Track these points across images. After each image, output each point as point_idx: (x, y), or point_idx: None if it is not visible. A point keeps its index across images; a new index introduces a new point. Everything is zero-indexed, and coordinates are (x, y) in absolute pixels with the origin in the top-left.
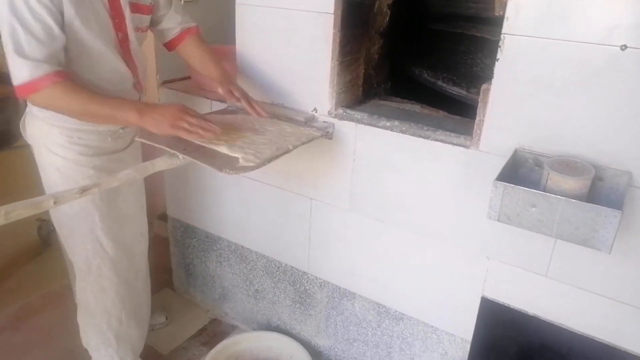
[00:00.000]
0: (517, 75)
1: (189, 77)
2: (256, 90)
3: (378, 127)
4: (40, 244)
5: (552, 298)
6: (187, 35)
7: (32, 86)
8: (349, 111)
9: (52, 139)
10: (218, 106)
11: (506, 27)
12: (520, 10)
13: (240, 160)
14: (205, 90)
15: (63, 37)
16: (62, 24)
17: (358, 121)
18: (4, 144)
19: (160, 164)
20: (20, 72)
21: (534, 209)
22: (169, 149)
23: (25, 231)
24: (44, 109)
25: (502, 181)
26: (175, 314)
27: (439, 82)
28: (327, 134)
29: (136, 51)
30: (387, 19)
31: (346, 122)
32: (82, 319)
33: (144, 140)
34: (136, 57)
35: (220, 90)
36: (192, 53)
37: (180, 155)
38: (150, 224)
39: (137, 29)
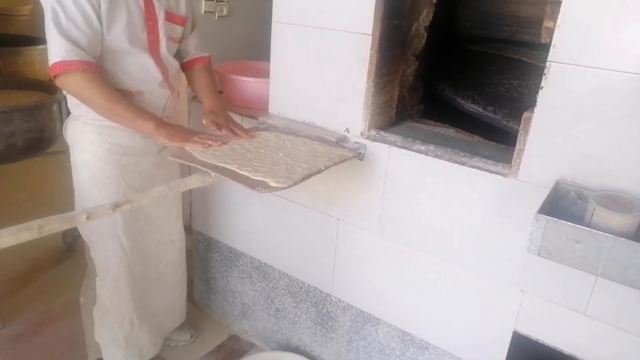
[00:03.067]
0: (561, 104)
1: (221, 92)
2: (289, 109)
3: (412, 150)
4: (65, 250)
5: (590, 338)
6: (198, 64)
7: (63, 65)
8: (382, 133)
9: (85, 137)
10: (249, 122)
11: (552, 54)
12: (567, 38)
13: (270, 181)
14: (236, 105)
15: (100, 29)
16: (100, 17)
17: (391, 144)
18: (37, 150)
19: (193, 182)
20: (56, 50)
21: (578, 245)
22: (201, 167)
23: (50, 236)
24: (74, 98)
25: (544, 214)
26: (194, 328)
27: (458, 99)
28: (359, 155)
29: (166, 56)
30: (424, 41)
31: (379, 144)
32: (97, 314)
33: (176, 159)
34: (167, 61)
35: (204, 120)
36: (196, 80)
37: (213, 174)
38: None
39: (169, 38)
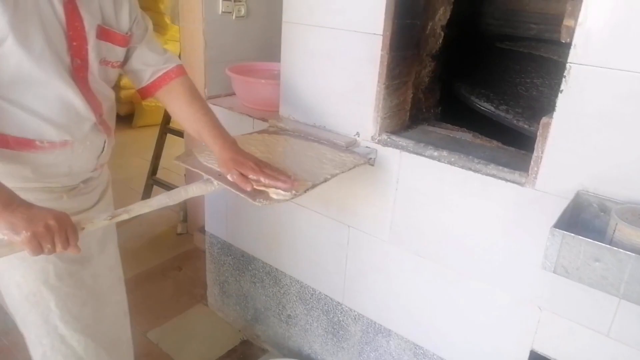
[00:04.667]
0: (583, 109)
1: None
2: (299, 111)
3: (424, 156)
4: None
5: None
6: (165, 83)
7: None
8: (393, 137)
9: None
10: (259, 125)
11: (573, 55)
12: (590, 38)
13: (271, 192)
14: (251, 108)
15: None
16: None
17: (403, 148)
18: None
19: (194, 190)
20: None
21: (597, 263)
22: (204, 174)
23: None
24: None
25: (561, 228)
26: (206, 331)
27: (472, 97)
28: (369, 160)
29: (98, 86)
30: (441, 41)
31: (390, 148)
32: None
33: (180, 163)
34: (98, 94)
35: (229, 177)
36: (177, 105)
37: (215, 182)
38: (190, 235)
39: (104, 62)
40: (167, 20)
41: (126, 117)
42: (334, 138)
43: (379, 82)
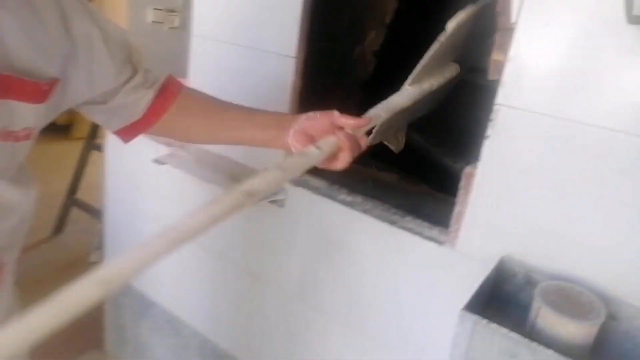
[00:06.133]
0: (511, 160)
1: None
2: None
3: (336, 201)
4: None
5: None
6: (172, 99)
7: None
8: (306, 176)
9: None
10: (164, 150)
11: (501, 96)
12: (521, 76)
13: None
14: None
15: None
16: None
17: (314, 190)
18: None
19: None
20: None
21: None
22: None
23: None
24: None
25: (478, 306)
26: None
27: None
28: (277, 201)
29: None
30: (372, 68)
31: (300, 189)
32: None
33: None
34: None
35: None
36: (202, 121)
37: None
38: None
39: (3, 134)
40: None
41: (63, 127)
42: (240, 171)
43: (290, 110)
